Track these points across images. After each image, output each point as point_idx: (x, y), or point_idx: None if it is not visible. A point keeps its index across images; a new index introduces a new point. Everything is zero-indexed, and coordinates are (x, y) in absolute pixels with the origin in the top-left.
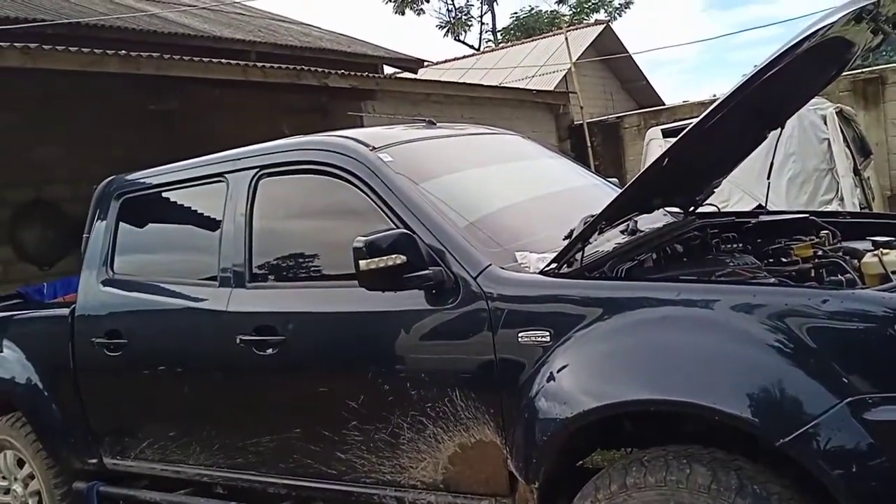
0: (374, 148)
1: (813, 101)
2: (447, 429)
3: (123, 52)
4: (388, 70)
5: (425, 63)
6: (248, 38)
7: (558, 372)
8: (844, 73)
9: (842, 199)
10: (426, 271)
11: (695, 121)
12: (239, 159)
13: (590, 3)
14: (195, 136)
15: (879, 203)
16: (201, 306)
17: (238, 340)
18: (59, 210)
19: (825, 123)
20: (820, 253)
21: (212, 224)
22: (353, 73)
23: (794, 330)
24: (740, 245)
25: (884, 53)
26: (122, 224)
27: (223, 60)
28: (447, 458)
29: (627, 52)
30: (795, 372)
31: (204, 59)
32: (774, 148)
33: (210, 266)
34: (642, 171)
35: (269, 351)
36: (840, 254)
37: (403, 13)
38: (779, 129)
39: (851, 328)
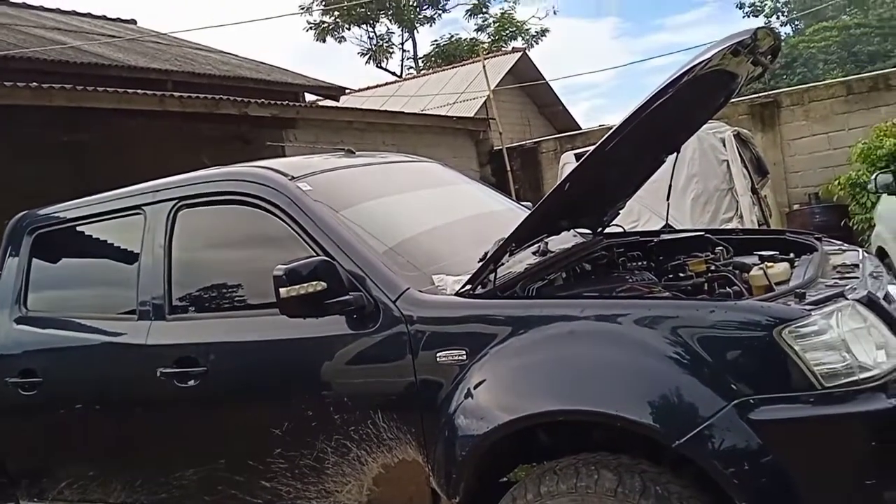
0: (293, 178)
1: (712, 125)
2: (371, 450)
3: (35, 84)
4: (309, 98)
5: (346, 91)
6: (164, 67)
7: (474, 388)
8: (742, 98)
9: (741, 217)
10: (347, 297)
11: (591, 149)
12: (157, 191)
13: (507, 31)
14: (111, 169)
15: (777, 219)
16: (120, 340)
17: (158, 373)
18: None
19: (724, 146)
20: (713, 268)
21: (129, 257)
22: (273, 102)
23: (686, 339)
24: (643, 263)
25: (784, 76)
26: (35, 260)
27: (139, 91)
28: (371, 479)
29: (544, 78)
30: (689, 378)
31: (119, 89)
32: (672, 170)
33: (128, 300)
34: (547, 195)
35: (191, 383)
36: (730, 268)
37: (325, 40)
38: (675, 154)
39: (735, 336)
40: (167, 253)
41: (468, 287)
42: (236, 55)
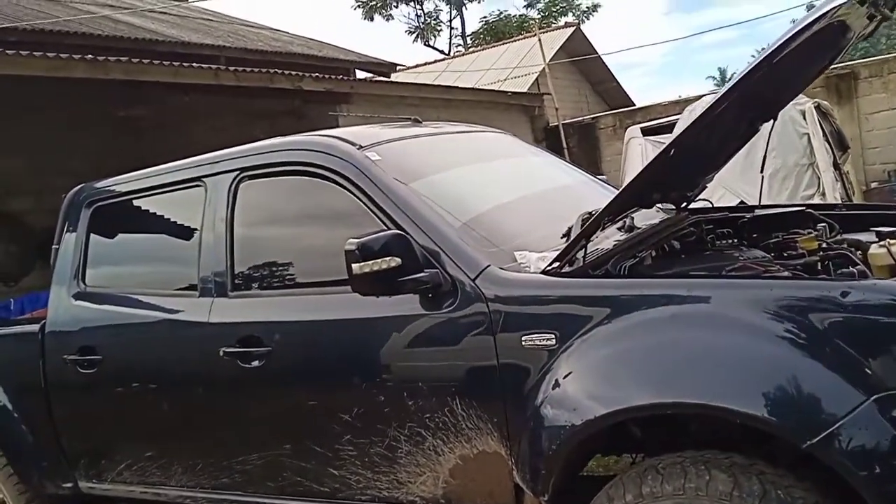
0: (361, 147)
1: None
2: (448, 440)
3: (90, 56)
4: (360, 74)
5: (398, 67)
6: (216, 43)
7: (565, 377)
8: None
9: (823, 194)
10: (422, 274)
11: (703, 109)
12: (218, 162)
13: (557, 7)
14: (165, 144)
15: (858, 197)
16: (181, 318)
17: (221, 353)
18: (23, 223)
19: (804, 118)
20: (824, 245)
21: (190, 231)
22: (327, 77)
23: (814, 324)
24: (736, 241)
25: (860, 48)
26: (93, 234)
27: (194, 64)
28: (448, 471)
29: (597, 53)
30: (818, 368)
31: (174, 63)
32: (767, 140)
33: (189, 275)
34: (648, 163)
35: (255, 363)
36: (845, 246)
37: (372, 19)
38: (771, 121)
39: (875, 321)
40: (229, 227)
41: (556, 264)
42: (287, 32)
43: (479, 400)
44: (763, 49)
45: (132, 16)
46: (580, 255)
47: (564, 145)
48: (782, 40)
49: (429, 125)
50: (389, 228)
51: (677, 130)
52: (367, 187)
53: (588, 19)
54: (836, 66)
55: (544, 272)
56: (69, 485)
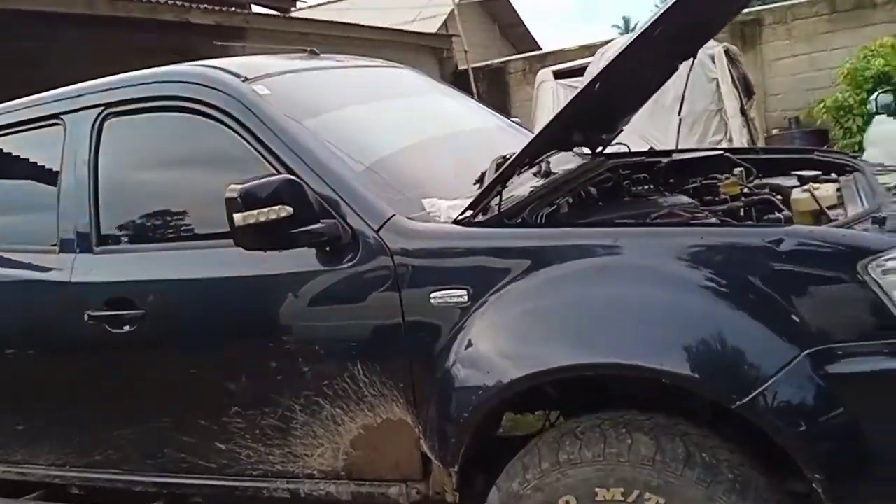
0: (247, 79)
1: None
2: (348, 409)
3: None
4: (257, 10)
5: (297, 2)
6: None
7: (478, 336)
8: None
9: (731, 140)
10: (317, 225)
11: (629, 39)
12: (79, 96)
13: None
14: (27, 84)
15: (761, 144)
16: (39, 277)
17: (86, 317)
18: None
19: (713, 63)
20: (746, 191)
21: (48, 177)
22: (217, 9)
23: (746, 275)
24: (653, 187)
25: None
26: None
27: None
28: (349, 442)
29: None
30: (747, 321)
31: None
32: (686, 80)
33: (48, 229)
34: (572, 99)
35: (126, 328)
36: (766, 191)
37: None
38: (691, 59)
39: (808, 272)
40: (92, 171)
41: (469, 213)
42: None
43: (382, 363)
44: None
45: None
46: (494, 202)
47: (474, 90)
48: None
49: (327, 58)
50: (280, 173)
51: (589, 73)
52: (254, 125)
53: None
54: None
55: (455, 222)
56: None
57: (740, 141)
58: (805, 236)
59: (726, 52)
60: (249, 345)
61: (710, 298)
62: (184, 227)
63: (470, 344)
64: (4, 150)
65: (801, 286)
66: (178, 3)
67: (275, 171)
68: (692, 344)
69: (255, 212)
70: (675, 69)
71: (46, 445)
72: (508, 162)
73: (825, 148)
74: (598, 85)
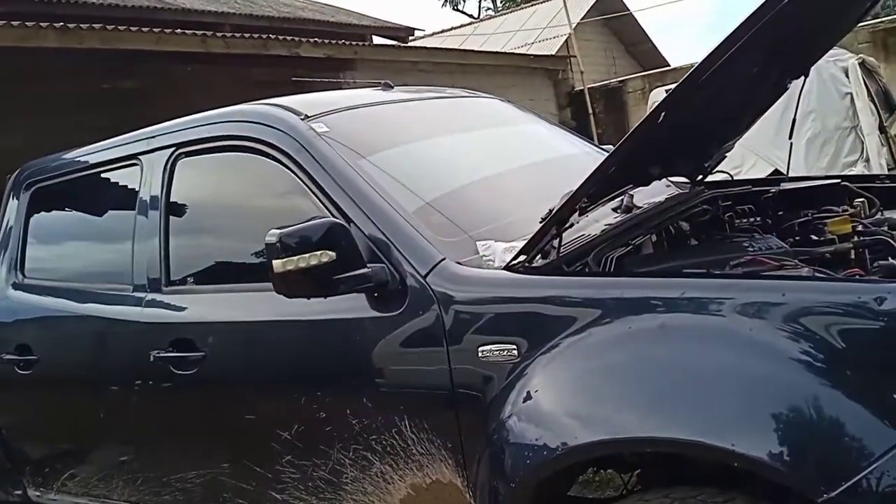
0: (307, 116)
1: (831, 52)
2: (397, 466)
3: (61, 23)
4: (377, 41)
5: (415, 31)
6: (220, 10)
7: (544, 389)
8: (862, 24)
9: (867, 160)
10: (364, 270)
11: (698, 62)
12: (154, 137)
13: None
14: (155, 119)
15: None
16: (113, 315)
17: (152, 357)
18: None
19: (846, 76)
20: (860, 228)
21: (126, 217)
22: (327, 42)
23: (838, 342)
24: (759, 220)
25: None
26: (32, 219)
27: (177, 31)
28: (399, 502)
29: (629, 10)
30: (841, 400)
31: (155, 29)
32: (797, 101)
33: (125, 267)
34: (632, 131)
35: (189, 370)
36: (885, 228)
37: None
38: (802, 78)
39: None
40: (164, 212)
41: (522, 258)
42: None
43: (429, 420)
44: None
45: None
46: (554, 244)
47: (590, 110)
48: None
49: (401, 90)
50: (331, 213)
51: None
52: (308, 164)
53: None
54: (884, 19)
55: (507, 267)
56: (19, 492)
57: (878, 161)
58: None
59: (862, 63)
60: (299, 393)
61: (793, 368)
62: (245, 269)
63: (529, 397)
64: (93, 190)
65: None
66: (290, 38)
67: (327, 212)
68: (766, 422)
69: (296, 258)
70: (785, 89)
71: (121, 481)
72: (563, 200)
73: None
74: (663, 116)
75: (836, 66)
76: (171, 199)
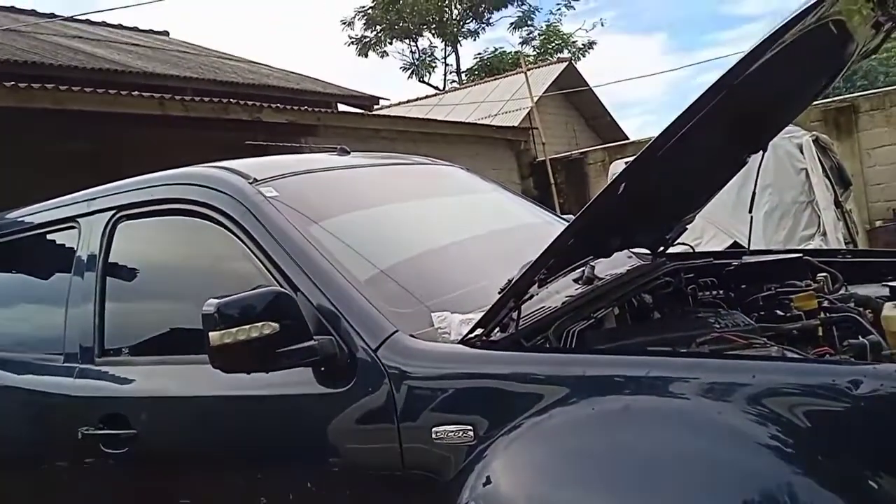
0: (255, 180)
1: (786, 129)
2: None
3: (12, 83)
4: (342, 109)
5: (381, 100)
6: (183, 75)
7: (493, 479)
8: (815, 103)
9: (824, 234)
10: (310, 343)
11: (656, 136)
12: (94, 199)
13: (553, 44)
14: (97, 181)
15: (862, 237)
16: (41, 387)
17: (80, 434)
18: None
19: (801, 152)
20: (826, 304)
21: (61, 281)
22: (289, 107)
23: (810, 426)
24: (722, 293)
25: (845, 89)
26: None
27: (134, 93)
28: None
29: (589, 87)
30: (813, 488)
31: (110, 90)
32: (756, 175)
33: (58, 334)
34: (591, 202)
35: (120, 448)
36: (852, 305)
37: (367, 55)
38: (760, 153)
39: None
40: (101, 277)
41: (479, 331)
42: (267, 65)
43: None
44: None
45: (98, 47)
46: (513, 317)
47: (552, 181)
48: (757, 44)
49: (358, 156)
50: (277, 281)
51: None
52: (254, 229)
53: (584, 56)
54: (834, 98)
55: (464, 341)
56: None
57: (835, 235)
58: (890, 378)
59: (816, 140)
60: (238, 475)
61: (762, 454)
62: (184, 340)
63: (489, 481)
64: (31, 253)
65: (884, 440)
66: (251, 103)
67: (273, 280)
68: None
69: (234, 329)
70: (744, 163)
71: None
72: (522, 271)
73: None
74: (622, 188)
75: (791, 142)
76: (109, 264)
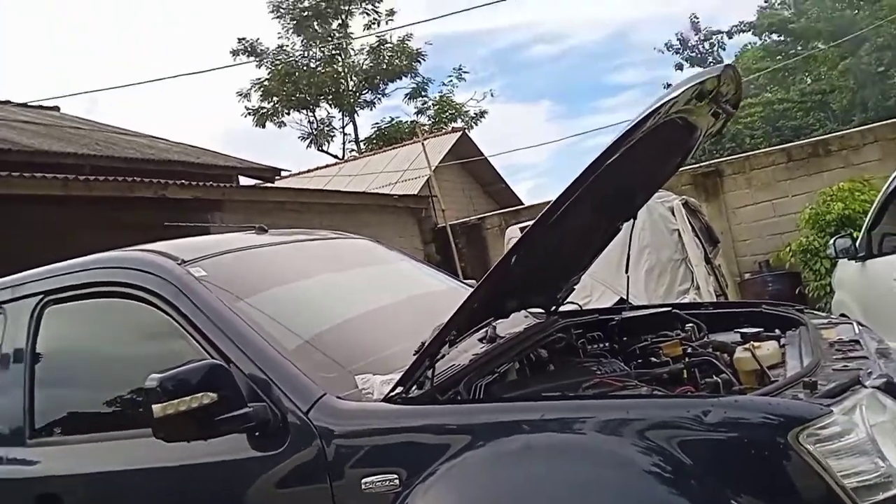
0: (184, 261)
1: (659, 193)
2: None
3: None
4: (244, 181)
5: (282, 172)
6: (80, 152)
7: None
8: (684, 168)
9: (698, 288)
10: (245, 409)
11: (541, 213)
12: (19, 285)
13: (447, 114)
14: (9, 266)
15: (732, 290)
16: None
17: None
18: None
19: (673, 215)
20: (690, 350)
21: None
22: (194, 183)
23: (674, 450)
24: (607, 345)
25: (714, 152)
26: None
27: (36, 174)
28: None
29: (484, 156)
30: (679, 501)
31: (2, 172)
32: (629, 239)
33: None
34: (489, 272)
35: None
36: (710, 350)
37: (264, 126)
38: (632, 220)
39: (738, 443)
40: (29, 362)
41: (399, 389)
42: (165, 139)
43: None
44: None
45: None
46: (428, 374)
47: (453, 246)
48: (618, 138)
49: (276, 233)
50: (211, 355)
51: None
52: (186, 308)
53: (476, 125)
54: (701, 164)
55: (386, 399)
56: None
57: (707, 289)
58: (731, 407)
59: (685, 204)
60: None
61: (636, 476)
62: (119, 417)
63: None
64: None
65: (733, 460)
66: (155, 180)
67: (206, 355)
68: None
69: (176, 401)
70: (618, 230)
71: None
72: (434, 334)
73: (785, 301)
74: (513, 259)
75: (664, 206)
76: (37, 349)
